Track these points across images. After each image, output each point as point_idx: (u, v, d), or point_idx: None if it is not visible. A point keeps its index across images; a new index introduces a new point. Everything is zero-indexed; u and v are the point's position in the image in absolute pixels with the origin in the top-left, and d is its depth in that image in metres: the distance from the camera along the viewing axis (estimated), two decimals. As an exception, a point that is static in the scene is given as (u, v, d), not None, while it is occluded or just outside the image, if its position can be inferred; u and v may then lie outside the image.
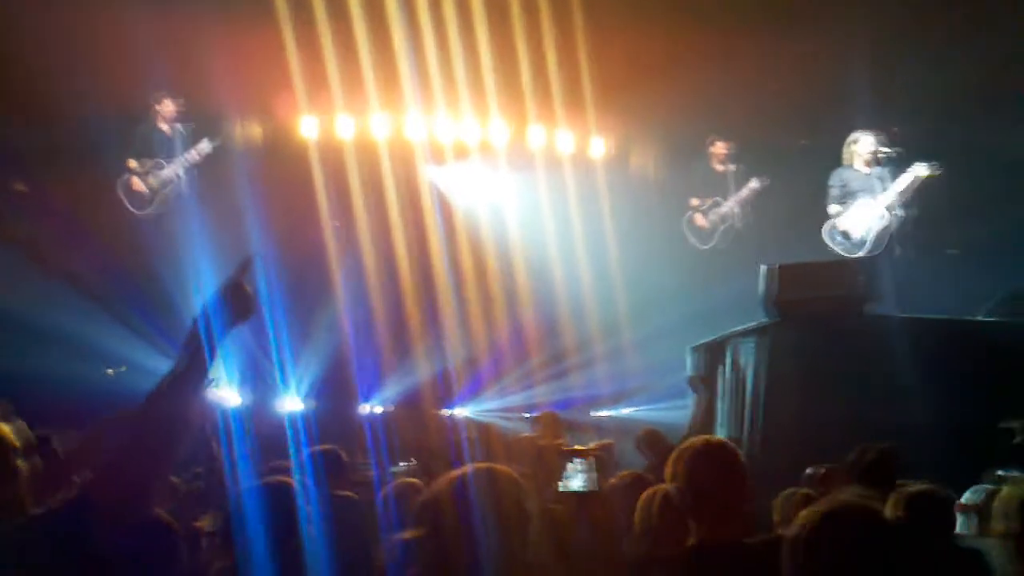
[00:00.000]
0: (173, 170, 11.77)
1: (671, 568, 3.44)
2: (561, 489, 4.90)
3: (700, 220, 11.93)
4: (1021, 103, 10.93)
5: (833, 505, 2.58)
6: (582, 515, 4.68)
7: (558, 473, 5.08)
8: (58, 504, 3.09)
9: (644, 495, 4.42)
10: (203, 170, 12.01)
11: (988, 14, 10.65)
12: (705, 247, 11.87)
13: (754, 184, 11.98)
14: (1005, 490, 4.09)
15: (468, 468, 2.41)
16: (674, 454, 3.47)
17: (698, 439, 3.59)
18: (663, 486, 4.42)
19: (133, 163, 11.70)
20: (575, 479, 4.87)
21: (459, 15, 11.33)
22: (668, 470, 3.45)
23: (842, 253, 9.85)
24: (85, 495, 3.12)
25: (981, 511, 4.88)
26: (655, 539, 4.10)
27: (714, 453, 3.43)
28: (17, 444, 3.08)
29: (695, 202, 11.95)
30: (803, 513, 2.59)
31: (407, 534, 3.76)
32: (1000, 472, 6.12)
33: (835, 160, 10.41)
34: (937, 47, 10.63)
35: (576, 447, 5.09)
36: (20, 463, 3.09)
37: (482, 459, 5.19)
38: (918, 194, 9.96)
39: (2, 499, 3.05)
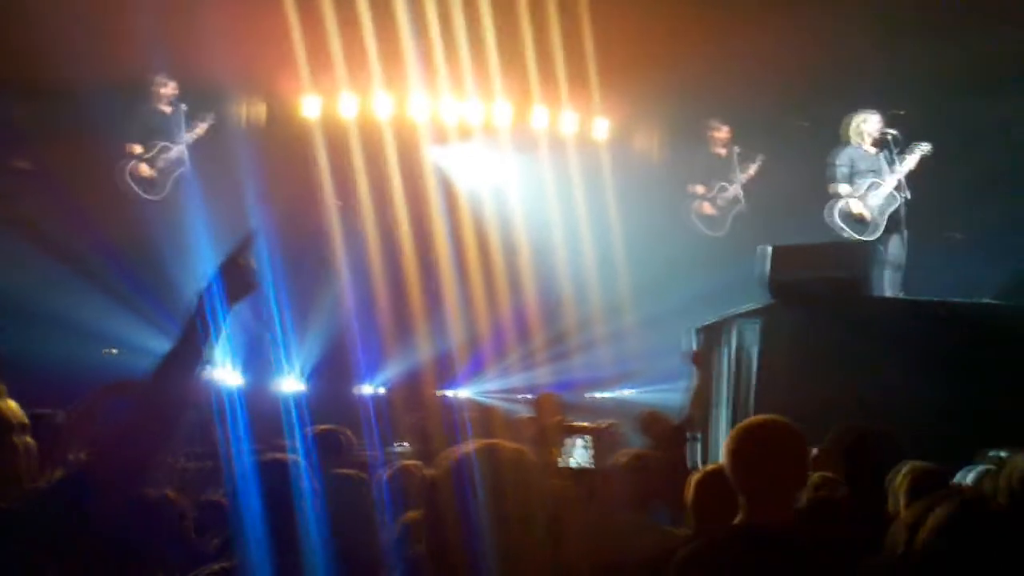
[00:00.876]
0: (177, 151, 11.73)
1: (709, 548, 3.29)
2: (560, 465, 4.89)
3: (708, 208, 11.67)
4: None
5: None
6: (580, 491, 4.68)
7: (558, 450, 5.07)
8: (57, 480, 3.09)
9: (697, 474, 4.36)
10: (205, 150, 11.98)
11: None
12: (719, 234, 11.53)
13: (758, 164, 11.74)
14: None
15: (470, 445, 2.38)
16: (732, 431, 3.39)
17: (758, 417, 3.50)
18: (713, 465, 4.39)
19: (138, 148, 11.66)
20: (574, 455, 4.86)
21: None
22: (724, 447, 3.37)
23: (856, 236, 9.74)
24: (83, 471, 3.12)
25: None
26: (700, 517, 4.01)
27: (768, 430, 3.32)
28: (15, 421, 3.07)
29: (700, 190, 11.65)
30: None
31: (407, 516, 3.75)
32: (1001, 453, 6.09)
33: (836, 141, 10.32)
34: (940, 26, 10.56)
35: (576, 423, 5.07)
36: (17, 440, 3.08)
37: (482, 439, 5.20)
38: (920, 175, 9.90)
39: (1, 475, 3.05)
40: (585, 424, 5.05)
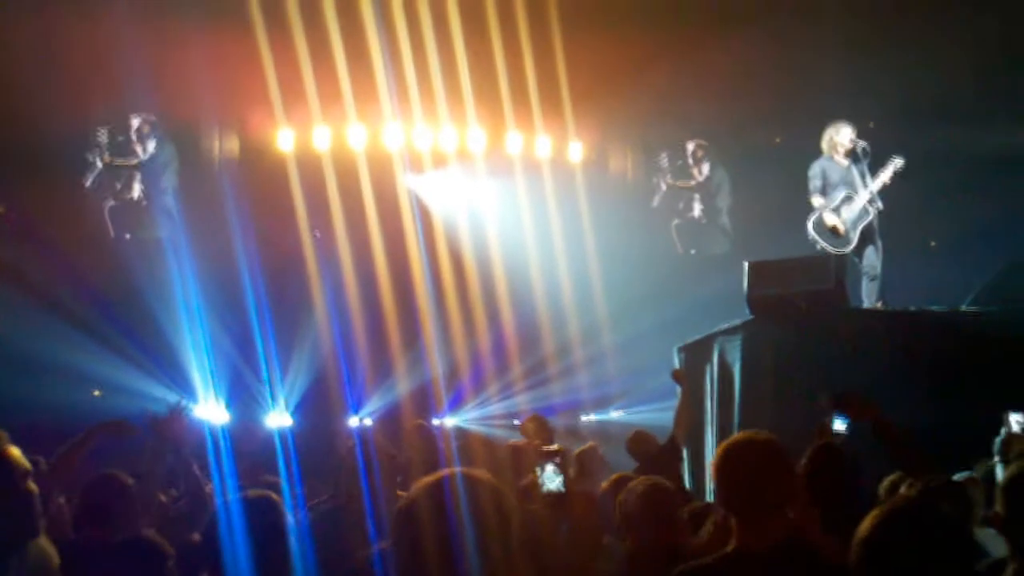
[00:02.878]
0: (155, 189, 11.73)
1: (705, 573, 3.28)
2: (544, 491, 4.86)
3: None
4: (990, 99, 11.03)
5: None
6: (555, 516, 4.65)
7: (533, 474, 5.03)
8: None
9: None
10: (183, 187, 11.99)
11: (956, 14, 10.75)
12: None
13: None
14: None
15: (443, 473, 2.39)
16: (717, 450, 3.39)
17: (741, 434, 3.47)
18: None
19: (117, 184, 11.66)
20: (548, 481, 4.83)
21: (435, 24, 11.36)
22: (711, 467, 3.39)
23: (831, 250, 9.76)
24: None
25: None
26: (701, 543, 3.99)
27: (750, 448, 3.31)
28: (23, 468, 3.07)
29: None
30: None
31: (382, 543, 3.76)
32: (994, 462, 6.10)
33: (810, 155, 10.38)
34: (908, 44, 10.71)
35: (543, 448, 5.04)
36: (30, 486, 3.09)
37: (463, 467, 5.19)
38: (894, 187, 9.97)
39: (16, 520, 3.04)
40: (554, 448, 5.01)
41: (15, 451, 3.05)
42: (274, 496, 3.82)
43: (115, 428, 4.92)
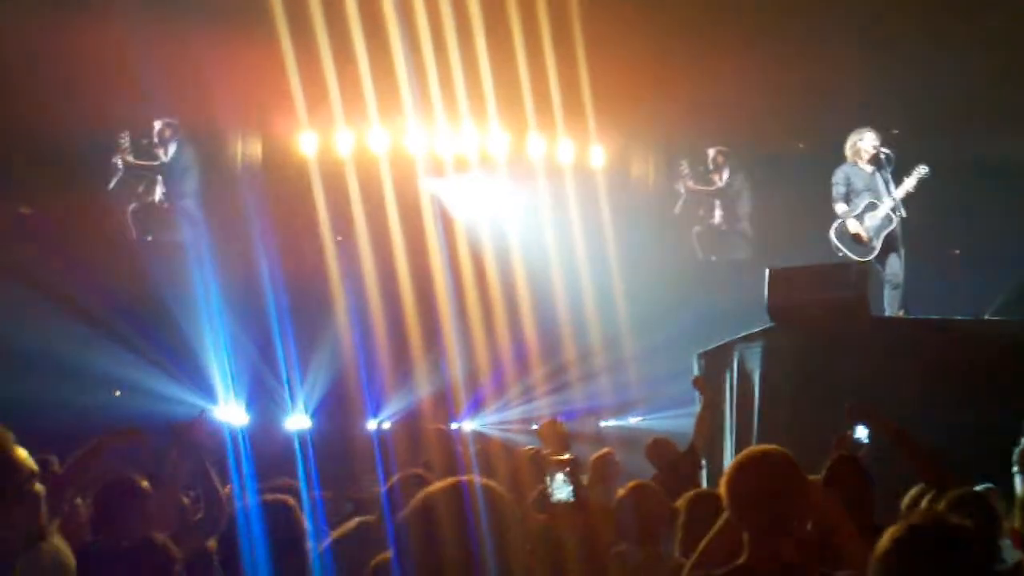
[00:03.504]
0: (177, 192, 11.80)
1: None
2: (554, 500, 4.81)
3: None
4: (1016, 107, 10.95)
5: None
6: (564, 526, 4.60)
7: (543, 483, 4.98)
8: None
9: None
10: (205, 190, 12.04)
11: (979, 19, 10.67)
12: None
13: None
14: None
15: (439, 485, 2.35)
16: (729, 466, 3.35)
17: (755, 449, 3.43)
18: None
19: (139, 187, 11.73)
20: (557, 491, 4.78)
21: (458, 27, 11.36)
22: (722, 482, 3.32)
23: (853, 257, 9.69)
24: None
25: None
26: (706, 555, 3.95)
27: (764, 465, 3.26)
28: (29, 470, 3.06)
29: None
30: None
31: (379, 557, 3.74)
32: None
33: (832, 162, 10.32)
34: (932, 50, 10.62)
35: (553, 456, 4.98)
36: (37, 488, 3.08)
37: (483, 473, 5.16)
38: (919, 196, 9.89)
39: (22, 523, 3.04)
40: (565, 457, 4.95)
41: (21, 452, 3.04)
42: (290, 501, 3.83)
43: (124, 436, 4.93)
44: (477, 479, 2.31)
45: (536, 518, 4.82)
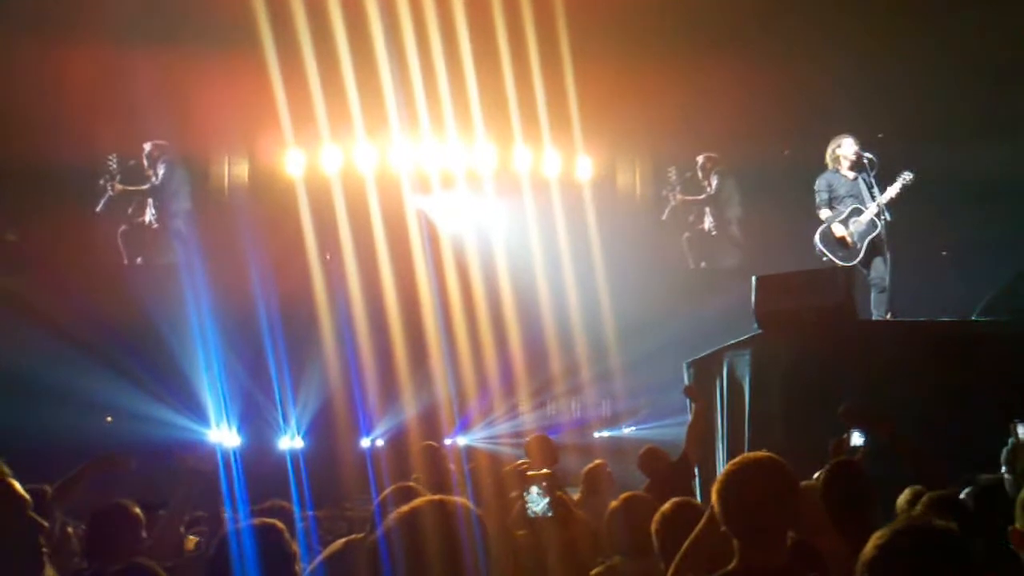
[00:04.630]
0: (166, 214, 11.81)
1: None
2: (530, 514, 4.80)
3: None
4: (1000, 112, 11.02)
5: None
6: (541, 541, 4.59)
7: (519, 498, 4.96)
8: None
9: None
10: (193, 212, 12.05)
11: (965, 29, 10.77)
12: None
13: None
14: None
15: (407, 506, 2.35)
16: (720, 473, 3.36)
17: (746, 456, 3.43)
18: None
19: (129, 209, 11.74)
20: (533, 504, 4.77)
21: (444, 44, 11.40)
22: (713, 490, 3.33)
23: (838, 262, 9.73)
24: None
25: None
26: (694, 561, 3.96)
27: (755, 472, 3.28)
28: (26, 498, 3.08)
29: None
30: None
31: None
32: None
33: (818, 167, 10.37)
34: (917, 57, 10.71)
35: (528, 471, 4.97)
36: (34, 515, 3.09)
37: (473, 489, 5.15)
38: (903, 199, 9.93)
39: (22, 550, 3.05)
40: (541, 472, 4.93)
41: (15, 483, 3.05)
42: (279, 525, 3.83)
43: (108, 463, 4.93)
44: (451, 498, 2.32)
45: (516, 533, 4.81)
